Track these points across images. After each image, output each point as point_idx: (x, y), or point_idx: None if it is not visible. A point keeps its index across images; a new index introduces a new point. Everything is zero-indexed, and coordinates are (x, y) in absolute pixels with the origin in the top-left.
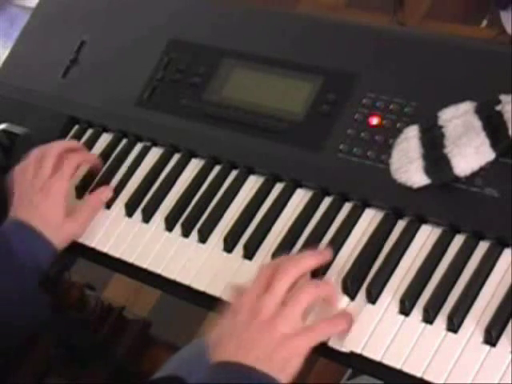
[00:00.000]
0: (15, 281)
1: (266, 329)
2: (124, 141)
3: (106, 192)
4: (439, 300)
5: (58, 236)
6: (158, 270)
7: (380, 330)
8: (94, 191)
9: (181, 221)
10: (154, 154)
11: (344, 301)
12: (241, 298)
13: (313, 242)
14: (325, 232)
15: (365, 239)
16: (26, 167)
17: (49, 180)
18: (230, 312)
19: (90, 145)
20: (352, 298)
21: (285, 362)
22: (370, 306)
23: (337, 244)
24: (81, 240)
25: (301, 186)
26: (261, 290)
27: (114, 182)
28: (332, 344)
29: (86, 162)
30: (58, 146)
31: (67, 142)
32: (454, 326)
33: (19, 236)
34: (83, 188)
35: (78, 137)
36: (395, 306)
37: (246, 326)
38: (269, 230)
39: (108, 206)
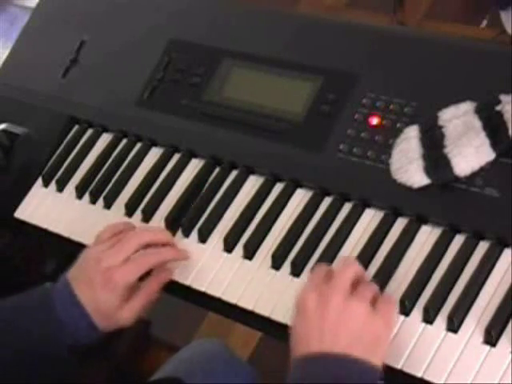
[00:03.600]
0: (48, 346)
1: (342, 315)
2: (124, 141)
3: (163, 276)
4: (439, 300)
5: (106, 322)
6: None
7: None
8: (151, 276)
9: (181, 221)
10: (154, 153)
11: None
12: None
13: (313, 242)
14: (325, 232)
15: (365, 239)
16: (102, 238)
17: (116, 268)
18: (299, 313)
19: (89, 145)
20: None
21: (373, 342)
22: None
23: (337, 244)
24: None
25: (301, 186)
26: (321, 282)
27: (114, 182)
28: None
29: (167, 260)
30: (145, 236)
31: (156, 234)
32: (454, 325)
33: (66, 305)
34: (83, 188)
35: (77, 137)
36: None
37: (321, 319)
38: (269, 230)
39: (108, 206)
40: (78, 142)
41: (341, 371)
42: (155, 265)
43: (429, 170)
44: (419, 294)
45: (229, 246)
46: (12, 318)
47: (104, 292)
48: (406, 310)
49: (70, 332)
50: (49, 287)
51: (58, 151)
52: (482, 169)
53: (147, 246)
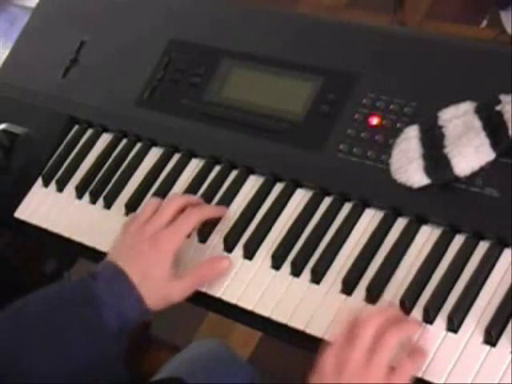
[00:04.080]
0: (96, 336)
1: (360, 378)
2: (124, 141)
3: (222, 263)
4: (439, 300)
5: (156, 294)
6: None
7: None
8: (211, 259)
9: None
10: (154, 153)
11: (341, 298)
12: (324, 356)
13: (313, 242)
14: (325, 232)
15: (365, 239)
16: (140, 213)
17: (161, 232)
18: (316, 372)
19: (89, 145)
20: (349, 294)
21: None
22: (370, 306)
23: (337, 244)
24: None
25: (301, 186)
26: (343, 343)
27: (114, 182)
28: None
29: (207, 217)
30: (180, 199)
31: (190, 197)
32: (454, 325)
33: (110, 286)
34: (83, 188)
35: (77, 137)
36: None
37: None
38: (269, 230)
39: (108, 206)
40: (77, 142)
41: None
42: (197, 222)
43: (429, 170)
44: (419, 294)
45: (229, 246)
46: (51, 314)
47: (154, 258)
48: (406, 311)
49: (115, 311)
50: (86, 275)
51: (58, 151)
52: (482, 169)
53: (184, 209)
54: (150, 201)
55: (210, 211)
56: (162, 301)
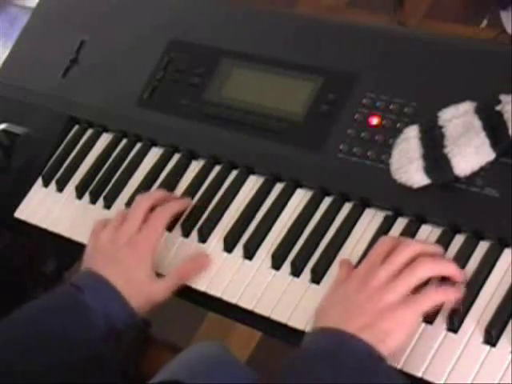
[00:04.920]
0: (85, 342)
1: (372, 298)
2: (124, 141)
3: (203, 262)
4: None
5: (139, 297)
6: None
7: None
8: (191, 259)
9: (181, 221)
10: (154, 153)
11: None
12: (352, 269)
13: (313, 242)
14: (325, 232)
15: (365, 239)
16: (110, 220)
17: (136, 235)
18: (339, 282)
19: (89, 145)
20: None
21: (386, 332)
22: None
23: (337, 244)
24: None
25: (301, 186)
26: (376, 261)
27: (114, 182)
28: None
29: (174, 212)
30: (146, 200)
31: (155, 194)
32: (454, 326)
33: (95, 292)
34: (83, 188)
35: (77, 137)
36: None
37: (352, 294)
38: (269, 230)
39: (108, 206)
40: (77, 142)
41: (337, 347)
42: (170, 218)
43: (429, 170)
44: None
45: (229, 246)
46: (41, 320)
47: (133, 262)
48: None
49: (104, 320)
50: (68, 285)
51: (58, 151)
52: (482, 169)
53: (153, 208)
54: (118, 212)
55: (179, 204)
56: (145, 302)
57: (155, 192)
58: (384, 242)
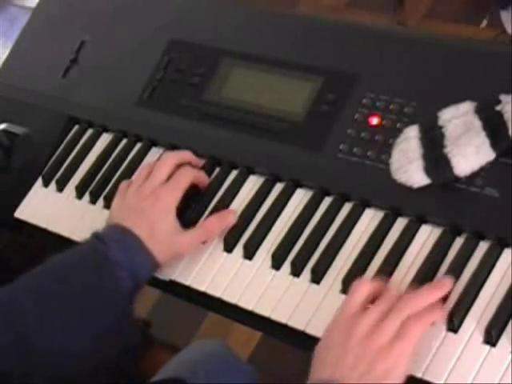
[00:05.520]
0: (111, 298)
1: (364, 344)
2: (124, 141)
3: (228, 218)
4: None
5: (162, 248)
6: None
7: None
8: (218, 214)
9: (181, 221)
10: (154, 153)
11: (341, 298)
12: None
13: (313, 242)
14: (325, 232)
15: (365, 239)
16: (135, 177)
17: (160, 187)
18: (329, 330)
19: (89, 145)
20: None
21: (386, 371)
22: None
23: (337, 244)
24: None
25: (301, 186)
26: (357, 309)
27: (114, 182)
28: None
29: (197, 179)
30: (173, 157)
31: (183, 153)
32: (454, 325)
33: (119, 244)
34: (83, 188)
35: (77, 137)
36: None
37: (341, 345)
38: (269, 230)
39: (108, 206)
40: (77, 142)
41: None
42: (193, 178)
43: (429, 170)
44: None
45: (229, 246)
46: (67, 277)
47: (158, 214)
48: None
49: (128, 273)
50: (94, 239)
51: (58, 151)
52: (482, 169)
53: (178, 166)
54: (143, 165)
55: (202, 175)
56: (170, 254)
57: (183, 151)
58: (361, 289)
